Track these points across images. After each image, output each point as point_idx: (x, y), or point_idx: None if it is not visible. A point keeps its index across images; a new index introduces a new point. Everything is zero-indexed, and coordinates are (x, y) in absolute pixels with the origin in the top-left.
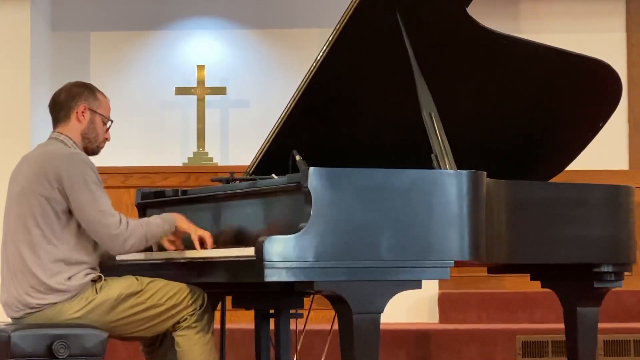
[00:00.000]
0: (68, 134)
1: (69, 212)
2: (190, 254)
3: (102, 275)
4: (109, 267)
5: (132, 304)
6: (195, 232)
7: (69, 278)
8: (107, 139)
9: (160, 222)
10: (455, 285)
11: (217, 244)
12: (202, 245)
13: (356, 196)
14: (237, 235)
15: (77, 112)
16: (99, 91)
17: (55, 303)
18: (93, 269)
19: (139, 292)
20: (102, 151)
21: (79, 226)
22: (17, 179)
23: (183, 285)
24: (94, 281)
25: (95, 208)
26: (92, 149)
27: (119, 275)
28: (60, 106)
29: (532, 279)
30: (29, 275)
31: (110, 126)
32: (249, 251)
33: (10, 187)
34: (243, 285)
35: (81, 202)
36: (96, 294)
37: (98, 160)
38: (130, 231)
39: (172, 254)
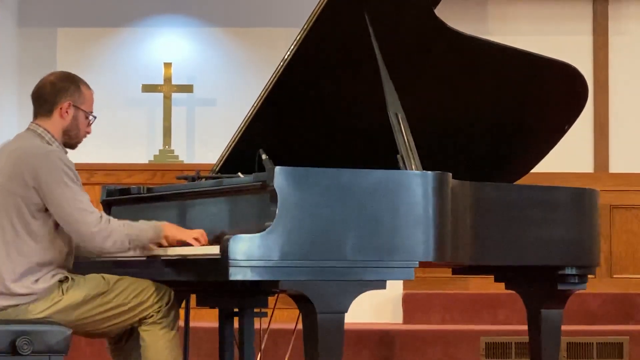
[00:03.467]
0: (48, 128)
1: (45, 211)
2: (155, 252)
3: (69, 276)
4: (76, 264)
5: (99, 304)
6: (190, 237)
7: (36, 281)
8: (88, 133)
9: (145, 228)
10: (419, 285)
11: (183, 243)
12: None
13: (322, 196)
14: None
15: (60, 109)
16: (84, 84)
17: (20, 305)
18: (62, 268)
19: (105, 292)
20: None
21: (54, 226)
22: None
23: (149, 282)
24: (60, 282)
25: (74, 206)
26: (71, 144)
27: (85, 273)
28: (44, 99)
29: (496, 280)
30: None
31: (92, 121)
32: (214, 250)
33: None
34: (207, 283)
35: (59, 200)
36: (62, 295)
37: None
38: (111, 229)
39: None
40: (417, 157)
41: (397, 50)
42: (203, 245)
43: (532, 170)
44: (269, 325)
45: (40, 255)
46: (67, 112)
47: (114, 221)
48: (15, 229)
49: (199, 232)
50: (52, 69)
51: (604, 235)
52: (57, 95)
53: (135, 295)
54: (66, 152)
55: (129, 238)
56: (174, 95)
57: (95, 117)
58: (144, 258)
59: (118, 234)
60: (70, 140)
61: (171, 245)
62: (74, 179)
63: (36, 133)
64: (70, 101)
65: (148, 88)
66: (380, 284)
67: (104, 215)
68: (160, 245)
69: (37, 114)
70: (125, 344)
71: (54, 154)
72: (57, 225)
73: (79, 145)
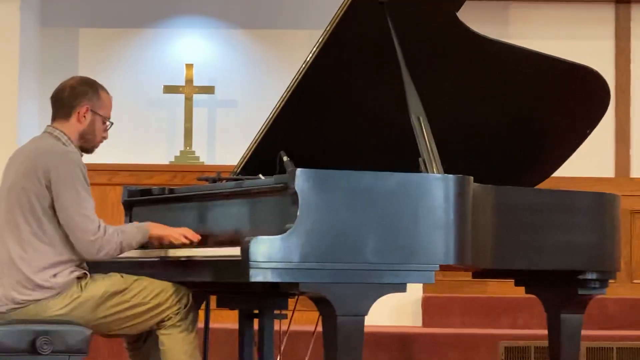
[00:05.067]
0: (65, 131)
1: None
2: (175, 252)
3: (88, 273)
4: (94, 263)
5: (117, 302)
6: (177, 236)
7: (55, 275)
8: (105, 138)
9: (135, 231)
10: (439, 289)
11: (203, 244)
12: (189, 241)
13: (343, 198)
14: (223, 235)
15: (78, 113)
16: (103, 90)
17: (40, 300)
18: (79, 265)
19: (124, 290)
20: None
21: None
22: (9, 172)
23: (168, 284)
24: (79, 278)
25: (77, 211)
26: (87, 148)
27: (104, 272)
28: (62, 103)
29: (516, 284)
30: (16, 271)
31: (109, 127)
32: (235, 251)
33: (3, 179)
34: (228, 285)
35: (65, 202)
36: (81, 291)
37: (84, 157)
38: (107, 240)
39: (158, 252)
40: (439, 160)
41: (419, 54)
42: (191, 240)
43: (553, 175)
44: (288, 327)
45: (56, 252)
46: (84, 116)
47: (110, 231)
48: (30, 226)
49: (184, 230)
50: (74, 69)
51: (624, 240)
52: (76, 99)
53: (154, 296)
54: (81, 156)
55: (121, 247)
56: (195, 96)
57: (112, 123)
58: (163, 259)
59: (111, 245)
60: (87, 145)
61: (160, 244)
62: (84, 183)
63: (53, 135)
64: (88, 106)
65: (169, 89)
66: (401, 287)
67: (102, 224)
68: (161, 246)
69: (55, 117)
70: (144, 345)
71: (70, 155)
72: None
73: (100, 147)
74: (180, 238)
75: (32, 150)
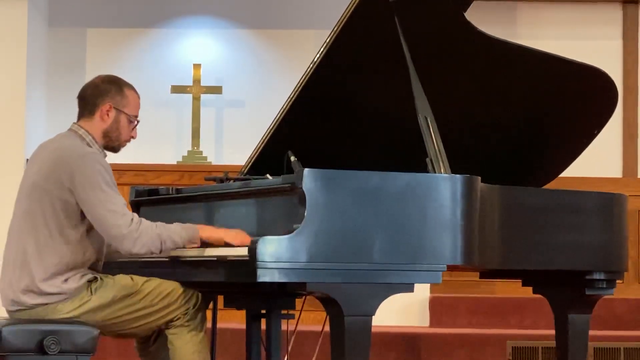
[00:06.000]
0: (89, 129)
1: (79, 213)
2: (183, 252)
3: (98, 276)
4: (105, 263)
5: (126, 305)
6: (234, 238)
7: (66, 280)
8: (132, 137)
9: (179, 230)
10: (446, 289)
11: (210, 243)
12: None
13: (350, 198)
14: None
15: (101, 111)
16: (128, 88)
17: (49, 304)
18: (91, 270)
19: (133, 293)
20: None
21: (87, 228)
22: (31, 168)
23: (177, 284)
24: (89, 282)
25: (105, 208)
26: (112, 147)
27: (113, 273)
28: (87, 101)
29: (524, 284)
30: (27, 275)
31: (136, 125)
32: (242, 251)
33: (25, 175)
34: (235, 285)
35: (92, 202)
36: (91, 295)
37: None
38: (141, 231)
39: None
40: (446, 160)
41: (427, 54)
42: (245, 244)
43: (560, 175)
44: (296, 327)
45: (71, 257)
46: (107, 114)
47: (146, 223)
48: (48, 229)
49: (237, 232)
50: (82, 69)
51: (632, 241)
52: (99, 97)
53: (163, 297)
54: (105, 155)
55: (160, 239)
56: (203, 96)
57: (138, 121)
58: (172, 259)
59: (148, 236)
60: (111, 143)
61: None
62: (109, 182)
63: (77, 134)
64: (111, 103)
65: (177, 89)
66: (408, 287)
67: (136, 217)
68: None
69: (80, 115)
70: (153, 344)
71: (91, 156)
72: (90, 228)
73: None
74: (234, 243)
75: (55, 150)
